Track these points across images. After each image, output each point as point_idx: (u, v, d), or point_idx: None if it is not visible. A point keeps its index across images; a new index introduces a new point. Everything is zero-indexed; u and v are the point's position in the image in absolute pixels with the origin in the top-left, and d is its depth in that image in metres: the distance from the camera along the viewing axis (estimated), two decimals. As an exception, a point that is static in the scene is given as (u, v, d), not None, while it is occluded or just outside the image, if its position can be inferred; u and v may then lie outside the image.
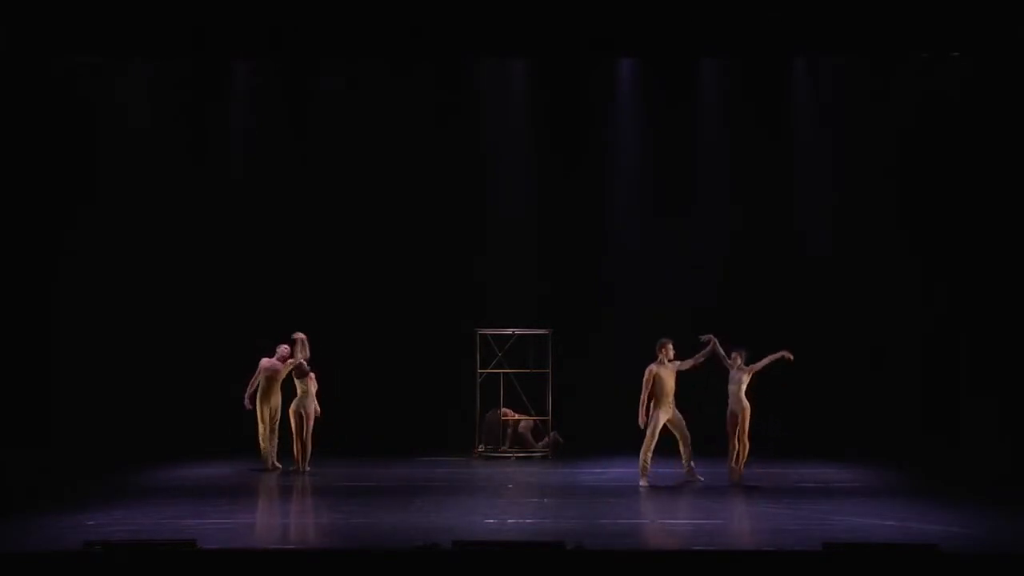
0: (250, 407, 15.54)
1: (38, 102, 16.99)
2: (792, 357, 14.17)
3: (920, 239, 17.51)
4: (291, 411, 15.37)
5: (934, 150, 17.44)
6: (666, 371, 14.13)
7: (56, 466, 15.38)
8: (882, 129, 17.75)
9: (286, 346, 15.56)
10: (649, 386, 14.05)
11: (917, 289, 17.54)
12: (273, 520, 12.68)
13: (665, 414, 14.08)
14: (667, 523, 12.02)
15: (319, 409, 15.45)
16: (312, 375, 15.43)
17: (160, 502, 12.91)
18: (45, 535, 10.76)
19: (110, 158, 17.80)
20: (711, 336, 14.27)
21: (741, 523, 11.86)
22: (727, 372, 14.26)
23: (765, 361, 14.21)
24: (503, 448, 17.33)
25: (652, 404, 14.09)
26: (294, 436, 15.35)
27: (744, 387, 14.16)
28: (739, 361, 14.20)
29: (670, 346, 14.24)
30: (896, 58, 17.35)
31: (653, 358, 14.20)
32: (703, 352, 14.25)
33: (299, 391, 15.40)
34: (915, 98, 17.50)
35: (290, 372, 15.46)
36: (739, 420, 14.08)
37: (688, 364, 14.26)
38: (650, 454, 14.11)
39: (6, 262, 16.83)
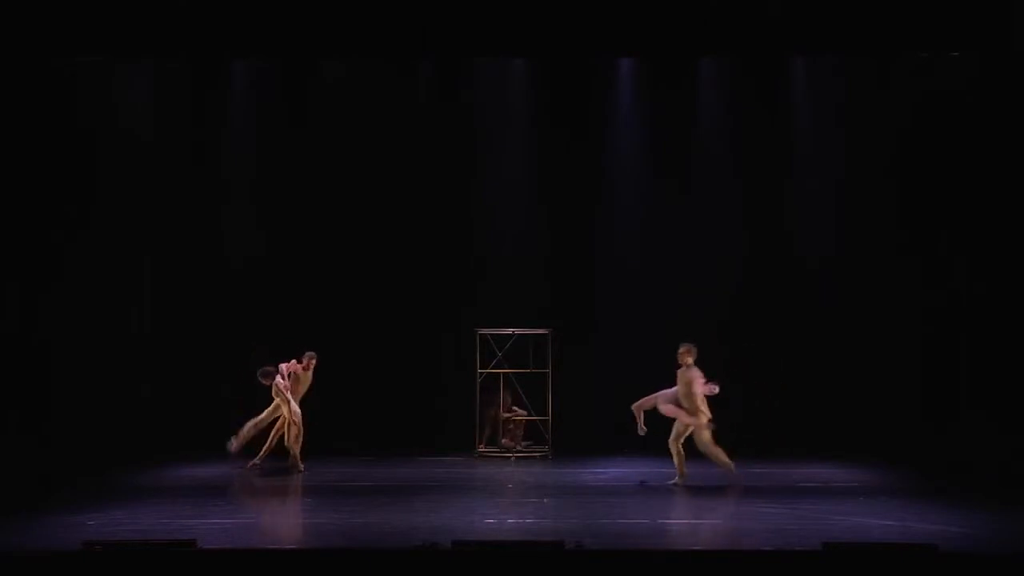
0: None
1: (38, 102, 16.97)
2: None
3: (920, 239, 17.51)
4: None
5: (934, 150, 17.44)
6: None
7: (56, 466, 15.39)
8: (882, 129, 17.75)
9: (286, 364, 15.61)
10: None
11: (917, 289, 17.54)
12: (270, 520, 12.71)
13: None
14: (667, 523, 12.02)
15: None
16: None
17: (160, 502, 12.92)
18: (45, 535, 10.76)
19: (110, 158, 17.78)
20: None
21: (741, 523, 11.85)
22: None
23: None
24: (504, 441, 17.39)
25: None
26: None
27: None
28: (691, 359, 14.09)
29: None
30: (896, 57, 17.34)
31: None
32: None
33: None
34: (915, 98, 17.50)
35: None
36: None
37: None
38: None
39: (6, 262, 16.82)
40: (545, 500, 13.42)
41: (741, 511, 12.63)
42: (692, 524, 11.80)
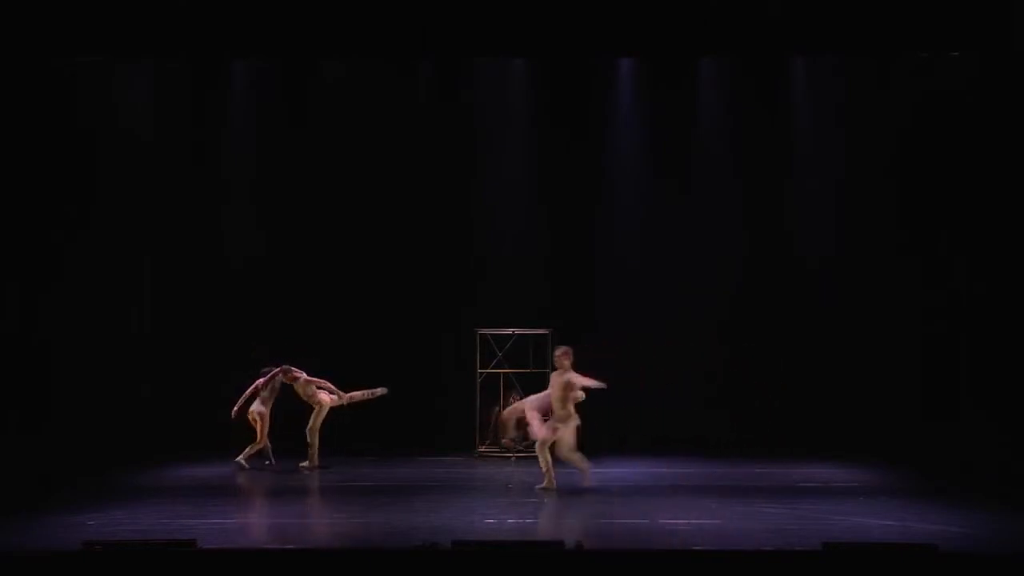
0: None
1: (38, 102, 16.97)
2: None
3: (920, 239, 17.51)
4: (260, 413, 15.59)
5: (934, 150, 17.43)
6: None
7: (56, 466, 15.38)
8: (882, 129, 17.75)
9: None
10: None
11: (917, 289, 17.53)
12: (269, 520, 12.70)
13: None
14: (667, 523, 12.01)
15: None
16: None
17: (160, 502, 12.92)
18: (45, 535, 10.76)
19: (110, 158, 17.79)
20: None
21: (741, 523, 11.84)
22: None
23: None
24: (504, 441, 17.38)
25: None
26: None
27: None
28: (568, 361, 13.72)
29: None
30: (896, 57, 17.34)
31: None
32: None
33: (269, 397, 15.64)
34: (915, 98, 17.50)
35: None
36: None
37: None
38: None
39: (6, 262, 16.82)
40: (545, 500, 13.42)
41: (741, 511, 12.57)
42: (692, 524, 11.78)
